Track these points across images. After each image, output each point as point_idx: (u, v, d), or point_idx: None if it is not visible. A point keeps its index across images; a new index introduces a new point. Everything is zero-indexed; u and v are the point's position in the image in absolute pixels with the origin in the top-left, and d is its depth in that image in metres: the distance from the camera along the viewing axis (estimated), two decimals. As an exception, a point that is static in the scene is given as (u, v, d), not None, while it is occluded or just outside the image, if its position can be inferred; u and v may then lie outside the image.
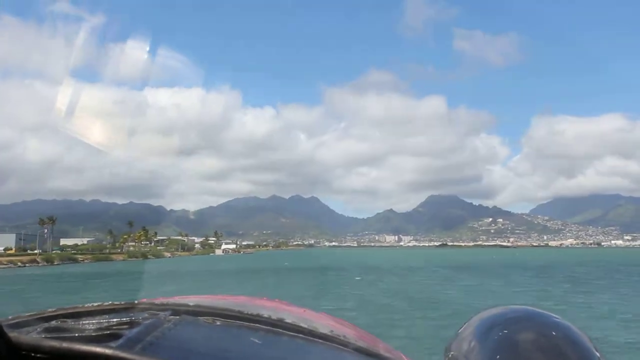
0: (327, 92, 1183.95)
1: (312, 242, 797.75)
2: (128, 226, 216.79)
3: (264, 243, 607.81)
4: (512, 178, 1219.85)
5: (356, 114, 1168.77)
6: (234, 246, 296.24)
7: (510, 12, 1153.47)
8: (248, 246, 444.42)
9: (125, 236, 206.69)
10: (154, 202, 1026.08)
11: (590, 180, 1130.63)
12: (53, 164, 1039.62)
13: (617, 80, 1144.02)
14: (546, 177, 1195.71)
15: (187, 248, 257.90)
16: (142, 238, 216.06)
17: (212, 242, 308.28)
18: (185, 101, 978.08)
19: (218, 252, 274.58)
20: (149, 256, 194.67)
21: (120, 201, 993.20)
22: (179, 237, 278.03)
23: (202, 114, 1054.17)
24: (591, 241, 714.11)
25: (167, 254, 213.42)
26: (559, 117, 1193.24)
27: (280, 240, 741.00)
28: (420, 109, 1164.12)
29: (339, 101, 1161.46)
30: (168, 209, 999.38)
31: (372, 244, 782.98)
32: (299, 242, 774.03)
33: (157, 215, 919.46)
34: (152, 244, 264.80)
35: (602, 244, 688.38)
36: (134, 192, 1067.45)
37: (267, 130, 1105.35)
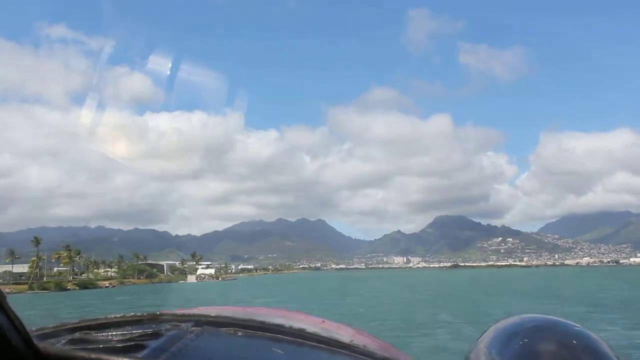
0: (330, 112, 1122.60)
1: (319, 265, 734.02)
2: (33, 245, 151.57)
3: (266, 267, 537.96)
4: (520, 197, 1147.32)
5: (360, 134, 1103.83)
6: (211, 271, 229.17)
7: (517, 25, 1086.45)
8: (243, 270, 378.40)
9: (34, 259, 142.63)
10: (159, 228, 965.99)
11: (600, 197, 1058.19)
12: (55, 190, 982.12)
13: (626, 95, 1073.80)
14: (554, 195, 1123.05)
15: (146, 275, 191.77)
16: (65, 261, 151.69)
17: (191, 265, 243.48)
18: (186, 124, 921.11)
19: (191, 278, 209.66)
20: (68, 287, 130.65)
21: (125, 227, 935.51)
22: (136, 262, 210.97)
23: (205, 137, 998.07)
24: (609, 259, 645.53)
25: (105, 283, 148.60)
26: (567, 133, 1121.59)
27: (286, 263, 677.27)
28: (426, 127, 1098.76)
29: (342, 121, 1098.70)
30: (173, 234, 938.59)
31: (381, 266, 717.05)
32: (305, 265, 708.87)
33: (162, 240, 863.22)
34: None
35: (621, 261, 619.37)
36: (138, 217, 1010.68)
37: (271, 152, 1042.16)
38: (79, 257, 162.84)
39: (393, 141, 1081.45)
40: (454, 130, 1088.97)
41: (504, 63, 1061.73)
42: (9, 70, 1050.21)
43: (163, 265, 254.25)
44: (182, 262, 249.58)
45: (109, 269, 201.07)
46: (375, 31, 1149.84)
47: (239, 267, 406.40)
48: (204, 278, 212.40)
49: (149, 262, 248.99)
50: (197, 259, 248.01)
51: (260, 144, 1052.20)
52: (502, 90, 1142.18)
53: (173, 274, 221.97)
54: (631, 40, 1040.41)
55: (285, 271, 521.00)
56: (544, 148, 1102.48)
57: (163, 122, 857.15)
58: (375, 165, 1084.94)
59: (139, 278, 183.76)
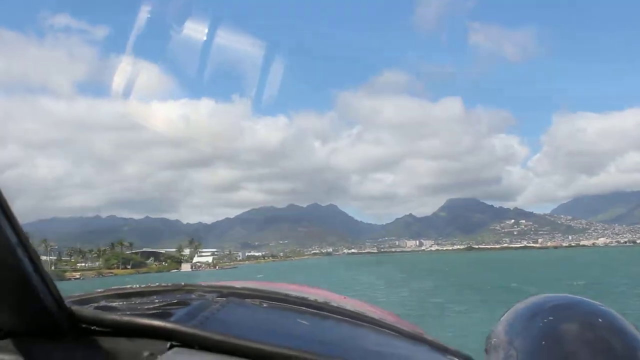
0: (339, 96, 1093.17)
1: (330, 250, 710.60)
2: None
3: (275, 254, 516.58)
4: (532, 178, 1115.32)
5: (370, 118, 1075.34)
6: (209, 259, 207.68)
7: (528, 4, 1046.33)
8: (249, 257, 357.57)
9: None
10: (170, 217, 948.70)
11: (612, 177, 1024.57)
12: (66, 180, 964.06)
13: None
14: (567, 176, 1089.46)
15: (133, 264, 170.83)
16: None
17: (189, 252, 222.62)
18: (195, 112, 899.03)
19: (185, 267, 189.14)
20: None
21: (136, 216, 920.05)
22: (120, 250, 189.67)
23: (214, 124, 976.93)
24: (625, 239, 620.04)
25: (76, 275, 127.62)
26: (579, 113, 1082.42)
27: (297, 249, 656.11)
28: (436, 110, 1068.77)
29: (351, 105, 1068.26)
30: (184, 222, 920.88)
31: (393, 250, 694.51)
32: (317, 251, 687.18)
33: (174, 229, 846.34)
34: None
35: (638, 241, 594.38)
36: (149, 206, 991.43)
37: (280, 138, 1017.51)
38: (45, 246, 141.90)
39: (403, 125, 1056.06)
40: (464, 112, 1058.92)
41: (516, 44, 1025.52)
42: (15, 60, 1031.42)
43: (163, 253, 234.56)
44: (179, 249, 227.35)
45: (99, 259, 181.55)
46: (384, 13, 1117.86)
47: (246, 255, 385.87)
48: (200, 267, 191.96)
49: (145, 249, 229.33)
50: (194, 245, 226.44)
51: (269, 130, 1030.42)
52: (513, 71, 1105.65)
53: (166, 262, 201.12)
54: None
55: (295, 258, 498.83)
56: (556, 129, 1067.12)
57: (171, 110, 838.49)
58: (385, 149, 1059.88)
59: (125, 267, 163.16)
